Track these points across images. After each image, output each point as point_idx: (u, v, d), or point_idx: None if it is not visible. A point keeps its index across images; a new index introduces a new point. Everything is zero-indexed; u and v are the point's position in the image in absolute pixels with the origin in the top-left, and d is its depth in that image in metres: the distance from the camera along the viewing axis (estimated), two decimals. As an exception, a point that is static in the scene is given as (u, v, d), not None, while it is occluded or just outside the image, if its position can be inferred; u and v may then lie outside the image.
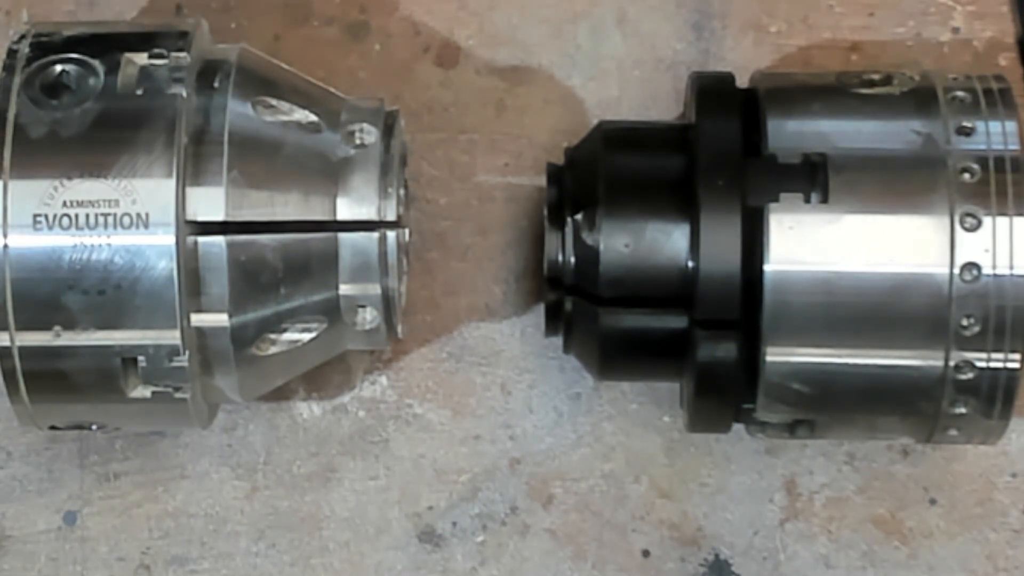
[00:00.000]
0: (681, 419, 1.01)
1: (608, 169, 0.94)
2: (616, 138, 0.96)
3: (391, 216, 0.93)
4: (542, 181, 0.98)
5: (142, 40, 0.92)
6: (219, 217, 0.89)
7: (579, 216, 0.94)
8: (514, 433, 1.04)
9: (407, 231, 1.00)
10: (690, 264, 0.91)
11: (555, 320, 0.97)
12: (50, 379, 0.90)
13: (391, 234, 0.93)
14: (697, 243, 0.90)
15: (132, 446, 1.03)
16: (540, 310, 1.02)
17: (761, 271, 0.90)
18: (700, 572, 1.02)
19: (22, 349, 0.89)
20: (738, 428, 0.98)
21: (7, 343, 0.89)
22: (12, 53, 0.91)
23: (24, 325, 0.89)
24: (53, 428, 0.97)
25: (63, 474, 1.03)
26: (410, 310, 1.03)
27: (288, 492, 1.03)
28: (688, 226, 0.91)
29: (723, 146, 0.92)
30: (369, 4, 1.07)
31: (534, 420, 1.04)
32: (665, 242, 0.92)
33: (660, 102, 1.06)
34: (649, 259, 0.92)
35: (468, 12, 1.07)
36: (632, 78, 1.06)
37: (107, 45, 0.91)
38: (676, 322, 0.92)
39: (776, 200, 0.90)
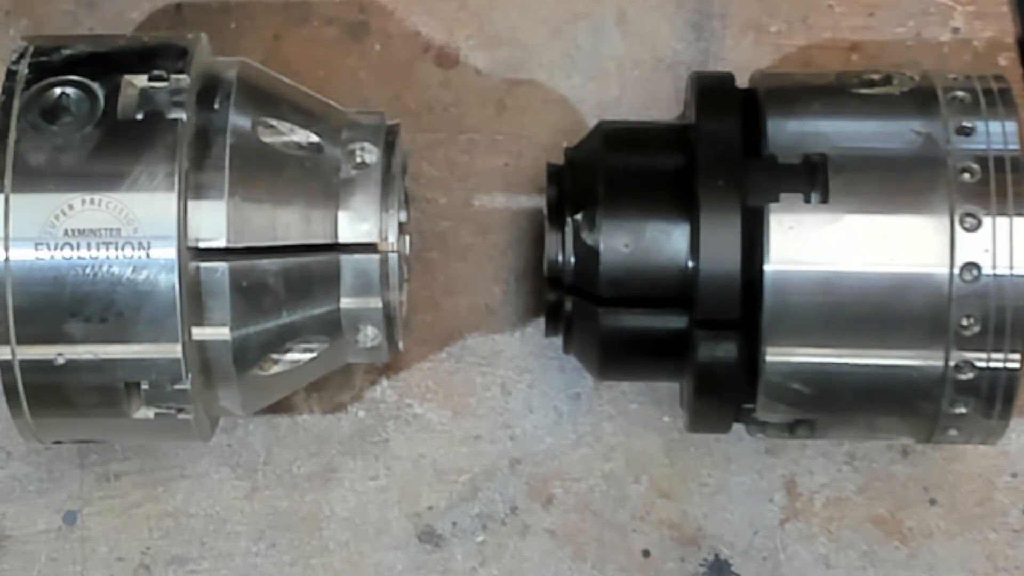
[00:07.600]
0: (681, 419, 1.01)
1: (608, 169, 0.94)
2: (616, 138, 0.96)
3: (392, 235, 0.92)
4: (542, 181, 0.98)
5: (142, 59, 0.91)
6: (221, 244, 0.89)
7: (579, 216, 0.94)
8: (514, 433, 1.04)
9: (407, 238, 1.00)
10: (690, 264, 0.91)
11: (555, 320, 0.97)
12: (52, 402, 0.91)
13: (392, 255, 0.92)
14: (697, 243, 0.90)
15: (132, 446, 1.03)
16: (540, 310, 1.02)
17: (761, 271, 0.90)
18: (700, 572, 1.02)
19: (25, 374, 0.89)
20: (738, 428, 0.98)
21: (11, 367, 0.89)
22: (11, 75, 0.91)
23: (27, 351, 0.89)
24: (57, 443, 0.98)
25: (63, 474, 1.03)
26: (410, 310, 1.03)
27: (288, 492, 1.03)
28: (688, 226, 0.91)
29: (723, 146, 0.92)
30: (369, 4, 1.07)
31: (534, 420, 1.04)
32: (665, 242, 0.92)
33: (660, 102, 1.06)
34: (649, 259, 0.92)
35: (468, 12, 1.07)
36: (632, 78, 1.06)
37: (106, 65, 0.91)
38: (676, 322, 0.92)
39: (776, 200, 0.90)
